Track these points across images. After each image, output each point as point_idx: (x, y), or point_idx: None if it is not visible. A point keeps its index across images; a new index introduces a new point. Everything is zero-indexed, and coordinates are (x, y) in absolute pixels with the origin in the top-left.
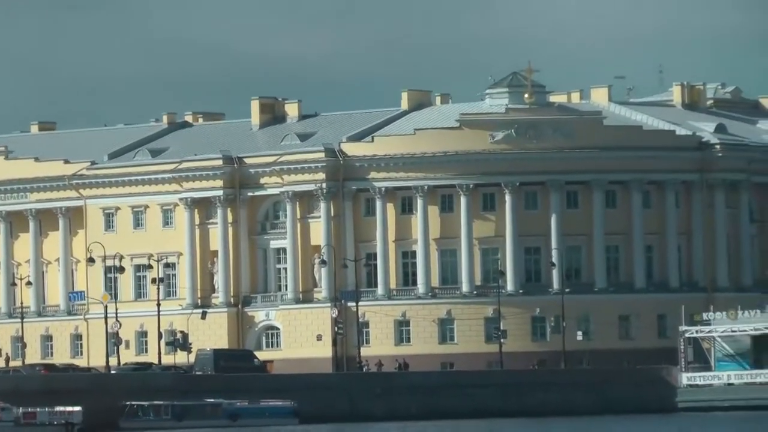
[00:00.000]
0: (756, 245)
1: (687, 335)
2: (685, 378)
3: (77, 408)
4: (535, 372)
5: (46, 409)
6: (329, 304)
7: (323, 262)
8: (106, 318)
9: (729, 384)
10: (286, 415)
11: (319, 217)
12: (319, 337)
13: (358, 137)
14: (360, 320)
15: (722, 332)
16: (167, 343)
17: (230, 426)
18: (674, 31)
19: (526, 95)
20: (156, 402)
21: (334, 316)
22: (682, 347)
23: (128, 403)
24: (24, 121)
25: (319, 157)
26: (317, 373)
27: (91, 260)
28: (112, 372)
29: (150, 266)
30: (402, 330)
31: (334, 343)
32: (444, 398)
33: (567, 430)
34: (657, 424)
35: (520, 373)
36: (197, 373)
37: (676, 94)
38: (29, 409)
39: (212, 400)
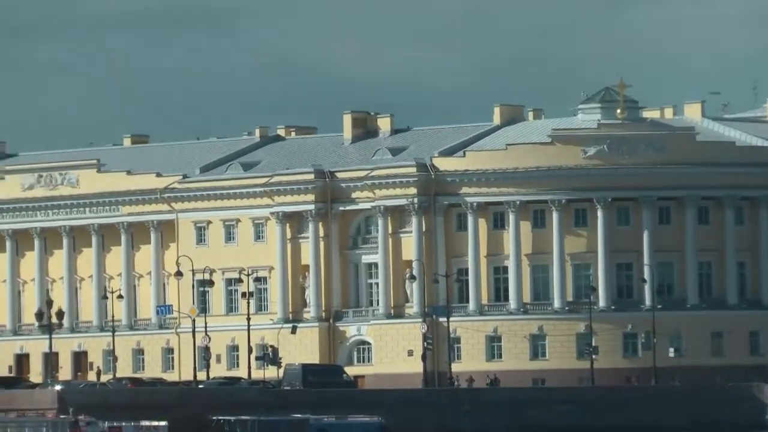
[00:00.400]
0: None
1: None
2: None
3: (163, 423)
4: (624, 389)
5: (132, 423)
6: (421, 320)
7: (413, 277)
8: (194, 332)
9: None
10: (374, 430)
11: (411, 231)
12: (410, 353)
13: (449, 152)
14: (451, 336)
15: None
16: (257, 358)
17: None
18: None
19: (619, 110)
20: (242, 417)
21: (423, 331)
22: None
23: (214, 417)
24: (117, 134)
25: (410, 171)
26: (405, 388)
27: (179, 274)
28: (200, 386)
29: (240, 280)
30: (493, 346)
31: (423, 358)
32: (533, 414)
33: None
34: None
35: (609, 390)
36: (285, 388)
37: None
38: (115, 423)
39: (299, 415)
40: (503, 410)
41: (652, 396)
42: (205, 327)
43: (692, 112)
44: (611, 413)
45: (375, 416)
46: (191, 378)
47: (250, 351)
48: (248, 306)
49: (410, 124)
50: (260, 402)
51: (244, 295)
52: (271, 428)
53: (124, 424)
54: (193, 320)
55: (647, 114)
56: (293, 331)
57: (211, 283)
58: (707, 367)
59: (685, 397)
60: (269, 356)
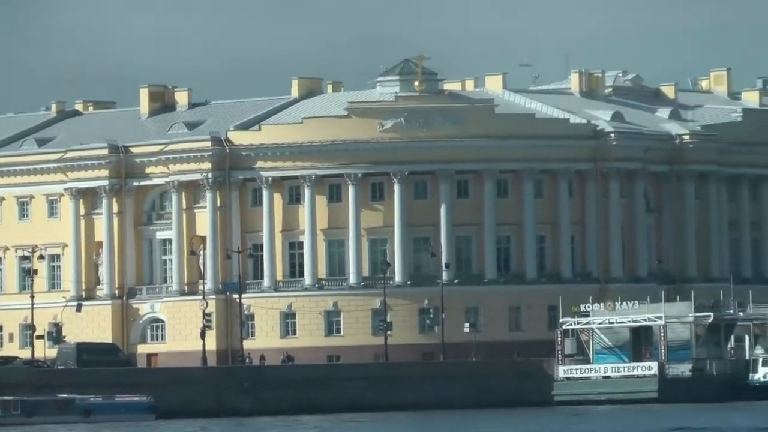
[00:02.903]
0: (652, 235)
1: (564, 327)
2: (562, 371)
3: None
4: (413, 365)
5: None
6: (215, 296)
7: (193, 254)
8: None
9: (606, 377)
10: (143, 410)
11: (205, 207)
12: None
13: (245, 126)
14: (245, 312)
15: (600, 324)
16: (38, 337)
17: (83, 422)
18: (580, 19)
19: (417, 83)
20: (4, 397)
21: (203, 308)
22: (559, 339)
23: None
24: None
25: (205, 146)
26: (183, 366)
27: None
28: None
29: (26, 257)
30: (288, 322)
31: (202, 336)
32: (316, 392)
33: (419, 425)
34: (512, 419)
35: (397, 366)
36: (59, 367)
37: (574, 82)
38: None
39: (64, 395)
40: (286, 389)
41: (442, 372)
42: None
43: (493, 85)
44: (400, 390)
45: (145, 396)
46: None
47: (33, 330)
48: (32, 283)
49: (209, 98)
50: (28, 382)
51: (27, 272)
52: (35, 408)
53: None
54: None
55: (448, 86)
56: (78, 309)
57: None
58: (505, 342)
59: (474, 373)
60: (53, 335)
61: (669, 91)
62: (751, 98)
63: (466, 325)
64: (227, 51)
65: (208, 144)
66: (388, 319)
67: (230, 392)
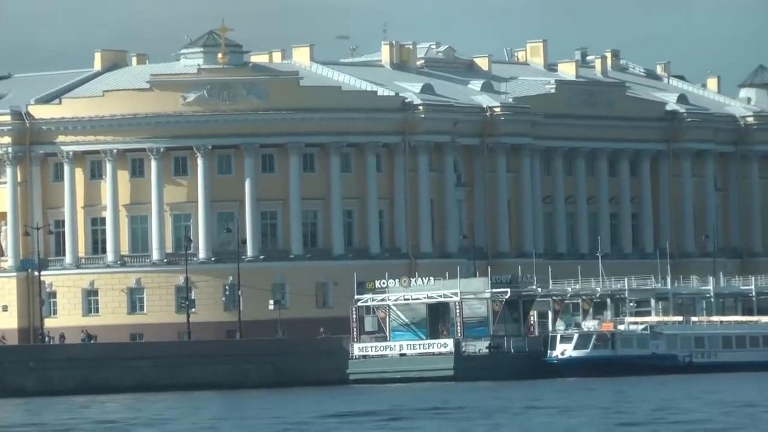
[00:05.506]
0: (463, 210)
1: (359, 304)
2: (357, 348)
3: None
4: (208, 343)
5: None
6: (15, 274)
7: None
8: None
9: (402, 354)
10: None
11: (6, 182)
12: (4, 308)
13: (46, 99)
14: (47, 290)
15: (396, 301)
16: None
17: None
18: None
19: (220, 55)
20: None
21: None
22: (354, 316)
23: None
24: None
25: (5, 120)
26: None
27: None
28: None
29: None
30: (90, 300)
31: None
32: (106, 371)
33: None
34: (294, 398)
35: (191, 345)
36: None
37: (384, 54)
38: None
39: None
40: (76, 368)
41: (238, 351)
42: None
43: (301, 57)
44: (194, 369)
45: None
46: None
47: None
48: None
49: (13, 71)
50: None
51: None
52: None
53: None
54: None
55: (255, 59)
56: None
57: None
58: (312, 319)
59: (271, 352)
60: None
61: (483, 63)
62: (568, 70)
63: (271, 302)
64: (32, 23)
65: (8, 118)
66: (192, 297)
67: (14, 371)
